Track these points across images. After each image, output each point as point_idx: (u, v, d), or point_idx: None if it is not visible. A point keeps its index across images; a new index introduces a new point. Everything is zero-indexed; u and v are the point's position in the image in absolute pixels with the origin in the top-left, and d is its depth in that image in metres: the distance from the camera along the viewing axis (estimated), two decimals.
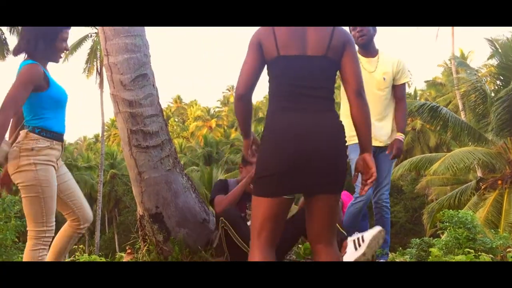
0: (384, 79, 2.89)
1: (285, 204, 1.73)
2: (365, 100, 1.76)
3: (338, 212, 1.88)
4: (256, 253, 1.71)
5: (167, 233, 3.19)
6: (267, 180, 1.68)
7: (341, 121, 1.76)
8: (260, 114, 34.63)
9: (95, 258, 3.44)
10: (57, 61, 2.44)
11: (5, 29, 16.43)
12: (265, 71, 1.79)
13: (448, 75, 27.19)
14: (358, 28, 2.87)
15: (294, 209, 2.72)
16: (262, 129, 1.82)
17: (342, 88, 2.54)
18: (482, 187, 11.34)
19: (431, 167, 11.45)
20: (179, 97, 52.53)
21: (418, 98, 28.01)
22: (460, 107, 17.33)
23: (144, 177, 3.17)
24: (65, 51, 2.46)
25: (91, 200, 27.96)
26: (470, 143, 11.68)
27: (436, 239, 4.28)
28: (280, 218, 1.74)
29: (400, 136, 2.99)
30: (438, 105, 11.64)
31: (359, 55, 2.92)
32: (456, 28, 18.80)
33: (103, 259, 3.46)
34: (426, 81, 32.88)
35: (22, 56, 2.36)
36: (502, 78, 11.48)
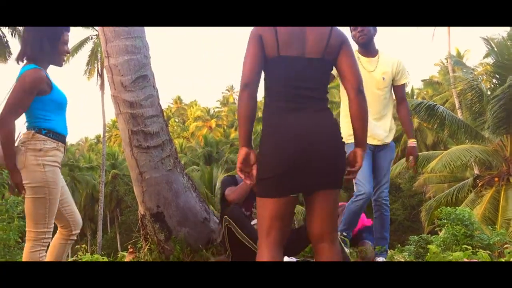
0: (383, 79, 2.92)
1: (290, 203, 1.73)
2: (365, 96, 1.77)
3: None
4: (265, 253, 1.70)
5: (168, 232, 3.22)
6: (270, 181, 1.68)
7: (336, 120, 1.79)
8: (260, 114, 34.56)
9: (98, 257, 3.46)
10: (60, 65, 2.44)
11: (6, 31, 16.42)
12: None
13: (444, 74, 27.26)
14: (359, 28, 2.88)
15: (300, 221, 2.75)
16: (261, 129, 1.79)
17: (341, 88, 2.58)
18: (479, 184, 11.42)
19: (429, 165, 11.50)
20: (179, 97, 52.62)
21: (415, 97, 28.11)
22: (457, 105, 17.42)
23: (145, 177, 3.20)
24: (66, 54, 2.47)
25: (93, 200, 28.08)
26: (467, 141, 11.74)
27: (434, 236, 4.33)
28: (288, 217, 1.75)
29: (412, 142, 3.06)
30: (435, 103, 11.72)
31: (359, 55, 2.95)
32: (452, 27, 18.87)
33: (105, 259, 3.48)
34: (423, 80, 32.93)
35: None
36: (498, 76, 11.55)
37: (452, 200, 11.39)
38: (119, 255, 3.79)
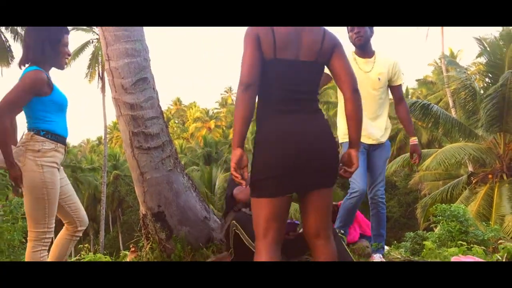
0: (379, 79, 2.94)
1: (286, 202, 1.75)
2: (360, 95, 1.80)
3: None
4: (263, 254, 1.70)
5: (169, 231, 3.25)
6: (267, 182, 1.69)
7: (327, 120, 1.83)
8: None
9: (100, 256, 3.49)
10: (62, 68, 2.46)
11: (9, 36, 16.39)
12: None
13: (438, 73, 27.40)
14: (356, 29, 2.90)
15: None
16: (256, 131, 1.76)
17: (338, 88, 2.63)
18: (473, 181, 11.55)
19: (424, 162, 11.61)
20: (178, 99, 52.62)
21: (409, 96, 28.25)
22: (451, 104, 17.54)
23: (146, 178, 3.24)
24: (67, 56, 2.49)
25: (95, 200, 28.08)
26: (461, 139, 11.86)
27: (429, 232, 4.41)
28: (284, 217, 1.77)
29: (414, 140, 3.10)
30: (429, 103, 11.84)
31: (355, 56, 2.98)
32: (445, 27, 19.01)
33: (108, 258, 3.52)
34: (417, 80, 33.11)
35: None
36: (490, 75, 11.70)
37: (447, 197, 11.50)
38: (121, 254, 3.82)
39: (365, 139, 2.96)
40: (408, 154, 13.13)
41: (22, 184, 2.24)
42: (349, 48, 3.07)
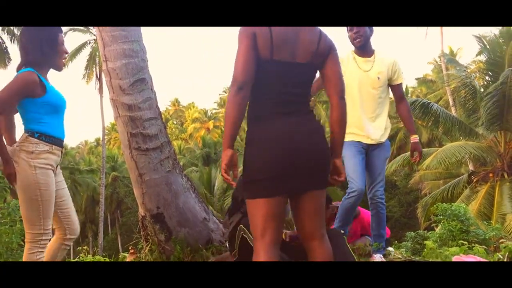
0: (378, 78, 2.94)
1: (282, 202, 1.74)
2: (346, 104, 1.81)
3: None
4: (261, 254, 1.69)
5: (168, 233, 3.25)
6: (263, 183, 1.69)
7: (319, 121, 1.84)
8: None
9: (99, 258, 3.49)
10: (60, 69, 2.44)
11: (5, 38, 16.44)
12: None
13: (438, 72, 27.41)
14: (355, 29, 2.89)
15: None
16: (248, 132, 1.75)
17: None
18: (474, 180, 11.54)
19: (424, 162, 11.59)
20: (177, 100, 52.66)
21: (409, 95, 28.25)
22: (451, 103, 17.55)
23: (144, 179, 3.23)
24: (65, 55, 2.47)
25: (94, 202, 28.15)
26: (461, 138, 11.86)
27: (430, 232, 4.39)
28: (281, 216, 1.77)
29: (415, 138, 3.11)
30: (429, 101, 11.83)
31: (355, 55, 2.98)
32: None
33: (107, 260, 3.51)
34: (417, 79, 33.13)
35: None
36: (490, 73, 11.70)
37: (447, 196, 11.50)
38: (120, 256, 3.81)
39: (364, 139, 2.95)
40: (408, 153, 13.13)
41: (15, 182, 2.24)
42: (348, 48, 3.06)
